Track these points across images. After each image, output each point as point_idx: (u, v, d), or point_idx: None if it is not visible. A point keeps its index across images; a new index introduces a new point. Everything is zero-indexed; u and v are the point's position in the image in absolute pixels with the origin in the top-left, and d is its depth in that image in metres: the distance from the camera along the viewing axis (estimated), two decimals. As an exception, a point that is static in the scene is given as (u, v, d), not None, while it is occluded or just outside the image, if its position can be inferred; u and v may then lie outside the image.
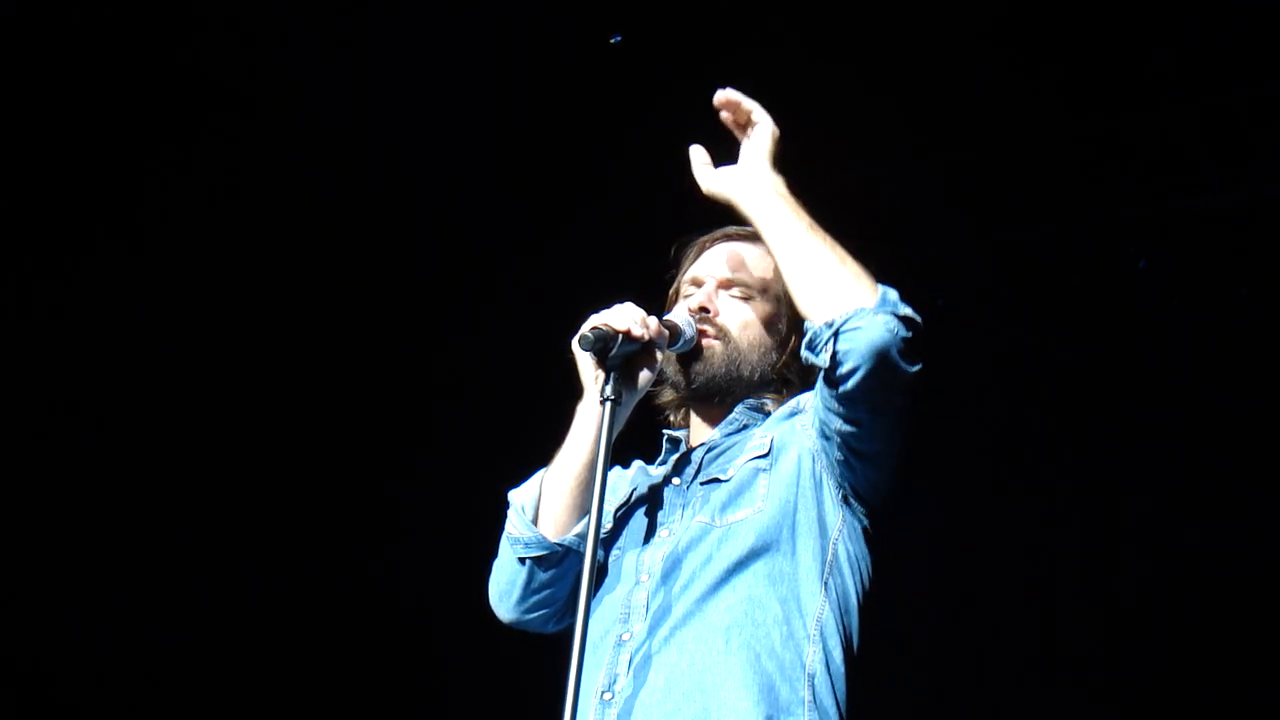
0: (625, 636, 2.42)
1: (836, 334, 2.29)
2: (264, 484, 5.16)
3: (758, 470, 2.49)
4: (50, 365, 4.86)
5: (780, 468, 2.50)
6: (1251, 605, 4.44)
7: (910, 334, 2.30)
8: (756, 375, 2.65)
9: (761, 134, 2.50)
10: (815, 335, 2.33)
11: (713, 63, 4.56)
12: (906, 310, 2.32)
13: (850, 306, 2.30)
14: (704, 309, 2.65)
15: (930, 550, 4.69)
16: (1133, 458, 4.67)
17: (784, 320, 2.68)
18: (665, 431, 2.79)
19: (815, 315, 2.35)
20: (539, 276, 5.06)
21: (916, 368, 2.31)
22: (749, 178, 2.49)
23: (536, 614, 2.63)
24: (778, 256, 2.44)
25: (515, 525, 2.59)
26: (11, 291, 4.83)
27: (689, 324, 2.60)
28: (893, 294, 2.33)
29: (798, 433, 2.53)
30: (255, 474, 5.16)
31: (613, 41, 4.48)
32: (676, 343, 2.58)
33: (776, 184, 2.47)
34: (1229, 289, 4.58)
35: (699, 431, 2.71)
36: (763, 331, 2.67)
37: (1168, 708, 4.46)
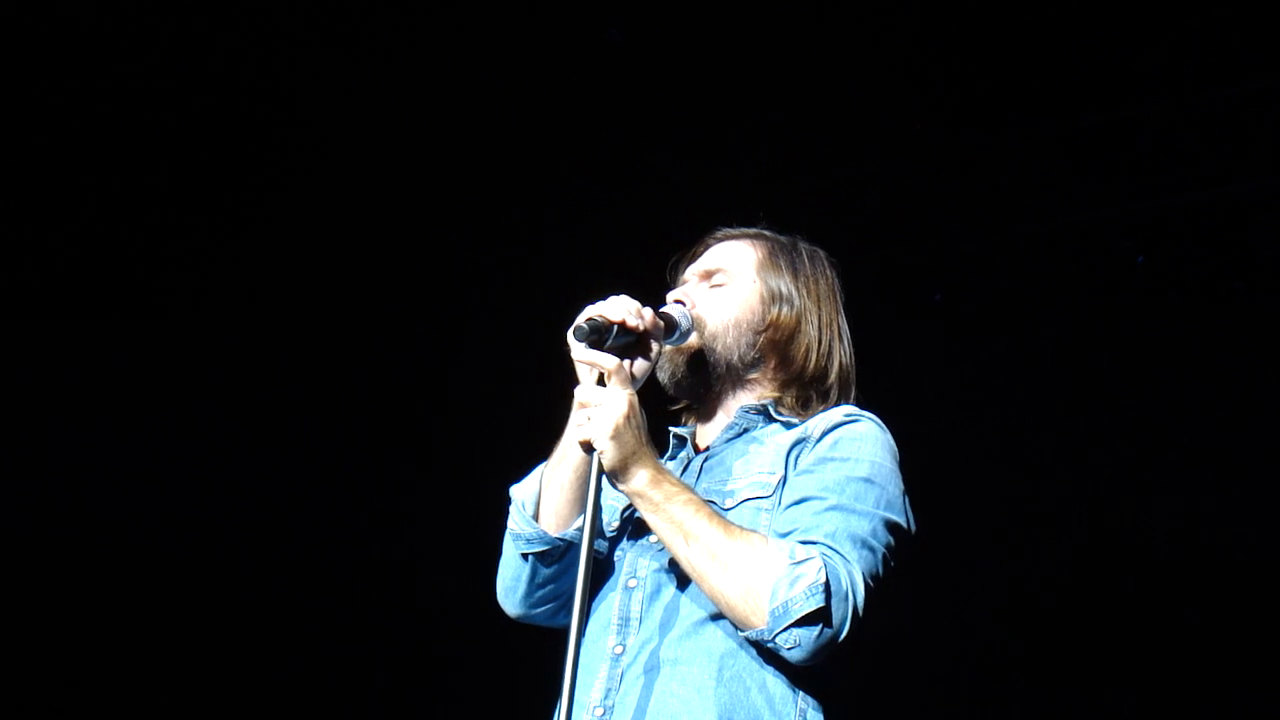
0: (619, 650, 2.41)
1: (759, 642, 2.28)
2: (271, 483, 5.18)
3: (759, 510, 2.45)
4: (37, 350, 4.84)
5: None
6: (1251, 601, 4.45)
7: (819, 624, 2.22)
8: (735, 356, 2.63)
9: (602, 463, 2.35)
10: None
11: (712, 61, 4.63)
12: (801, 611, 2.22)
13: (748, 628, 2.26)
14: (679, 302, 2.65)
15: (930, 552, 4.68)
16: (1132, 454, 4.68)
17: (762, 299, 2.67)
18: (670, 429, 2.76)
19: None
20: (534, 270, 5.07)
21: (846, 632, 2.24)
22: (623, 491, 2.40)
23: (543, 608, 2.63)
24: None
25: (516, 521, 2.58)
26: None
27: (684, 316, 2.60)
28: (781, 596, 2.23)
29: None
30: (262, 474, 5.17)
31: (610, 35, 4.49)
32: (672, 334, 2.57)
33: (636, 497, 2.36)
34: (1227, 283, 4.59)
35: (701, 432, 2.70)
36: (738, 312, 2.65)
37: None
